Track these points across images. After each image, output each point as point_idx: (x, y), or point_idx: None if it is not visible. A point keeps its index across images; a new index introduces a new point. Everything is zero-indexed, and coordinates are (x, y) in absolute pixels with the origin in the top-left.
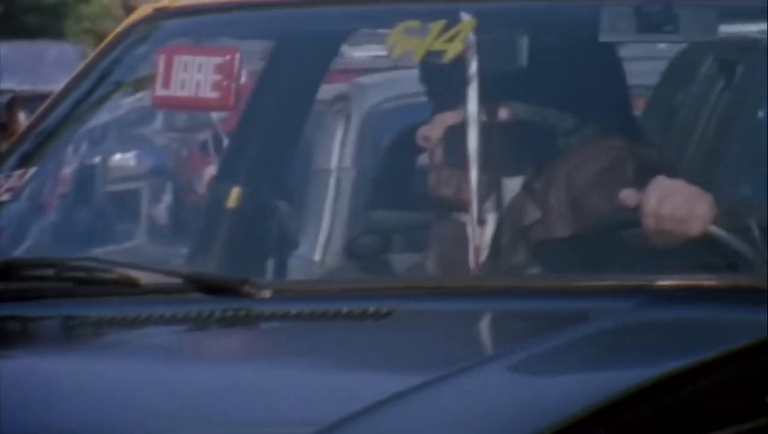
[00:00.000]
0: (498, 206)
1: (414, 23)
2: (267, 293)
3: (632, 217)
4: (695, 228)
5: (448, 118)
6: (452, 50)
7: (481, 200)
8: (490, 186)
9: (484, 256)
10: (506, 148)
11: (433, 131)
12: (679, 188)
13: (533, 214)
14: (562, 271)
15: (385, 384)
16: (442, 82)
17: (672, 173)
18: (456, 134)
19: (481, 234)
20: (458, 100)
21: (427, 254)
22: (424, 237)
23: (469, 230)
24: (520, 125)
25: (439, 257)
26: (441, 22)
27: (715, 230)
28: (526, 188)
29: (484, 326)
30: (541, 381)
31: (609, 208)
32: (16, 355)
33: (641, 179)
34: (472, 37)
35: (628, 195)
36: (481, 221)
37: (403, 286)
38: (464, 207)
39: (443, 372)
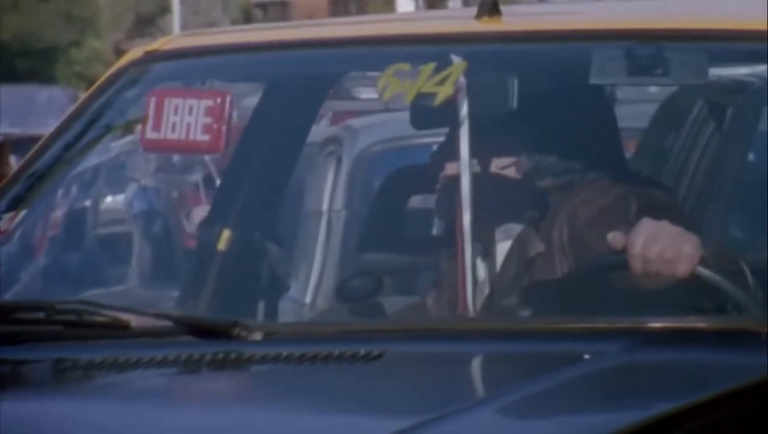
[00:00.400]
0: (488, 250)
1: (404, 66)
2: (258, 336)
3: (622, 259)
4: (682, 269)
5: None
6: (443, 93)
7: (475, 244)
8: (484, 229)
9: (476, 298)
10: (498, 190)
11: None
12: (664, 230)
13: (537, 247)
14: (553, 313)
15: (377, 426)
16: (434, 124)
17: (676, 212)
18: (451, 177)
19: (474, 276)
20: (449, 143)
21: (420, 295)
22: (415, 279)
23: (463, 271)
24: (512, 168)
25: (433, 298)
26: (431, 65)
27: (703, 271)
28: (529, 225)
29: (476, 368)
30: (532, 423)
31: (604, 249)
32: (6, 398)
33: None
34: (462, 79)
35: (615, 238)
36: (475, 264)
37: (395, 328)
38: (457, 249)
39: (435, 414)
